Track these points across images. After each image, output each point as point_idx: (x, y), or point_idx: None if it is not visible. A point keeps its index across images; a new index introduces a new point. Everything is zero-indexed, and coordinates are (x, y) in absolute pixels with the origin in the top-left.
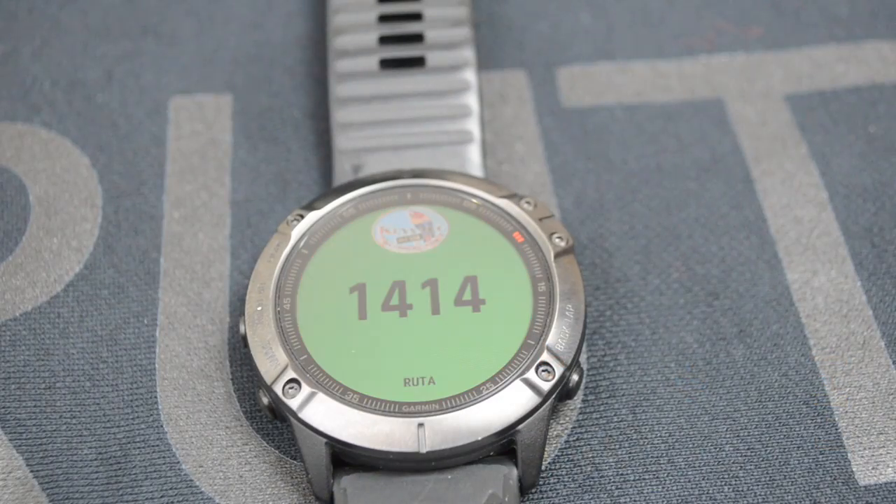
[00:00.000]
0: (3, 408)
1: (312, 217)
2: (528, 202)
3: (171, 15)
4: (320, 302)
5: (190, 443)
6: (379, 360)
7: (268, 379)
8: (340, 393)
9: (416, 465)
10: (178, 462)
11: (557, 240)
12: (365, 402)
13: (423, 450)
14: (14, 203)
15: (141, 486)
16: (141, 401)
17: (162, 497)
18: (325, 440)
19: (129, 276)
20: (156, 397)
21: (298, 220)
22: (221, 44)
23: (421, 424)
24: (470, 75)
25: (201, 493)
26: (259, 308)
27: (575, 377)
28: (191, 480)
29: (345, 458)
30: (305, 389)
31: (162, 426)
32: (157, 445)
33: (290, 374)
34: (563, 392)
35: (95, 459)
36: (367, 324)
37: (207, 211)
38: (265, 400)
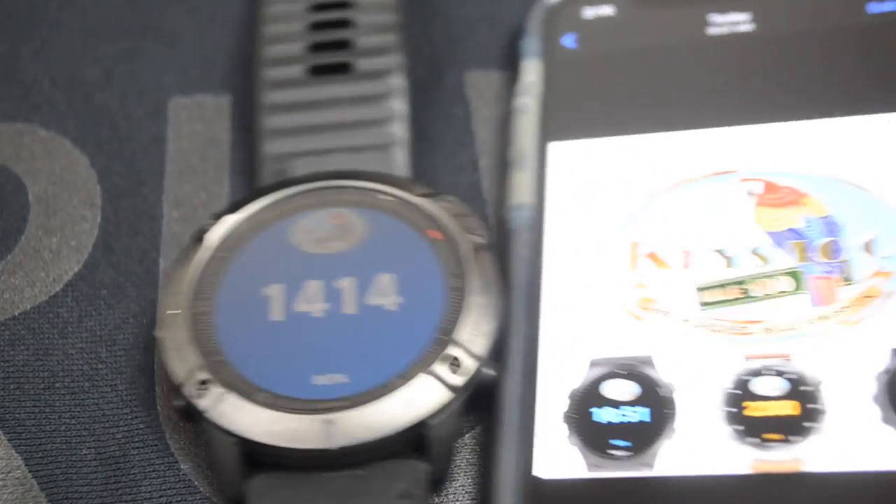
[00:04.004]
0: (2, 407)
1: (230, 220)
2: (445, 200)
3: (171, 15)
4: (236, 304)
5: (189, 443)
6: (291, 358)
7: (178, 380)
8: (251, 393)
9: (327, 462)
10: (177, 462)
11: (474, 236)
12: (275, 401)
13: (332, 446)
14: (13, 202)
15: (140, 486)
16: (140, 401)
17: (161, 497)
18: (234, 440)
19: (129, 276)
20: (155, 397)
21: (215, 224)
22: (221, 44)
23: (330, 421)
24: (397, 80)
25: (200, 492)
26: (174, 312)
27: (489, 372)
28: (189, 480)
29: (257, 457)
30: (215, 390)
31: (161, 426)
32: (156, 445)
33: (201, 375)
34: (477, 387)
35: (94, 459)
36: (281, 324)
37: (207, 211)
38: (178, 403)
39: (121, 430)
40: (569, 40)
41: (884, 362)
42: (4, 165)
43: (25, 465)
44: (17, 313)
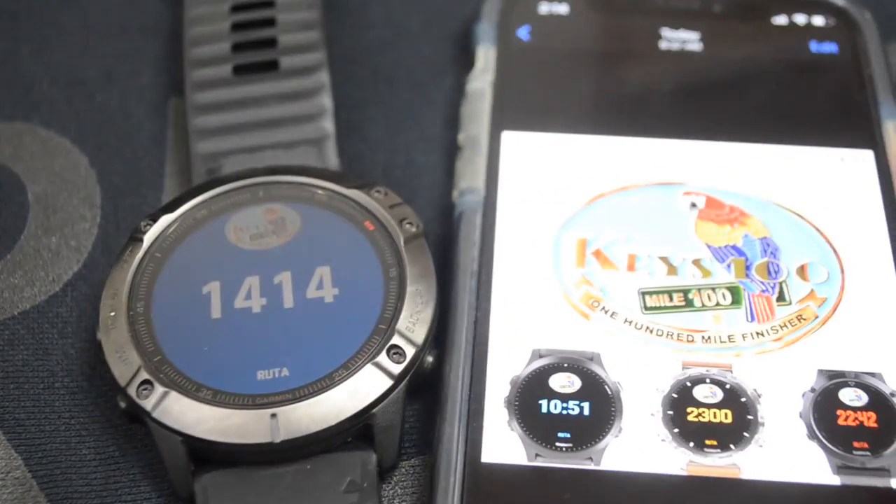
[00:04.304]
0: (2, 407)
1: (165, 220)
2: (378, 191)
3: (170, 15)
4: (175, 303)
5: None
6: (232, 355)
7: (122, 382)
8: (194, 390)
9: (273, 456)
10: None
11: (408, 225)
12: (219, 398)
13: (277, 439)
14: (13, 201)
15: (139, 486)
16: None
17: (160, 497)
18: (180, 438)
19: None
20: None
21: (151, 225)
22: None
23: (274, 415)
24: (322, 76)
25: None
26: (112, 314)
27: (429, 358)
28: None
29: (205, 455)
30: (159, 389)
31: None
32: (156, 445)
33: (144, 375)
34: (418, 373)
35: (94, 460)
36: (220, 321)
37: None
38: (122, 405)
39: (120, 431)
40: (523, 32)
41: (811, 381)
42: (4, 165)
43: (25, 466)
44: (16, 313)
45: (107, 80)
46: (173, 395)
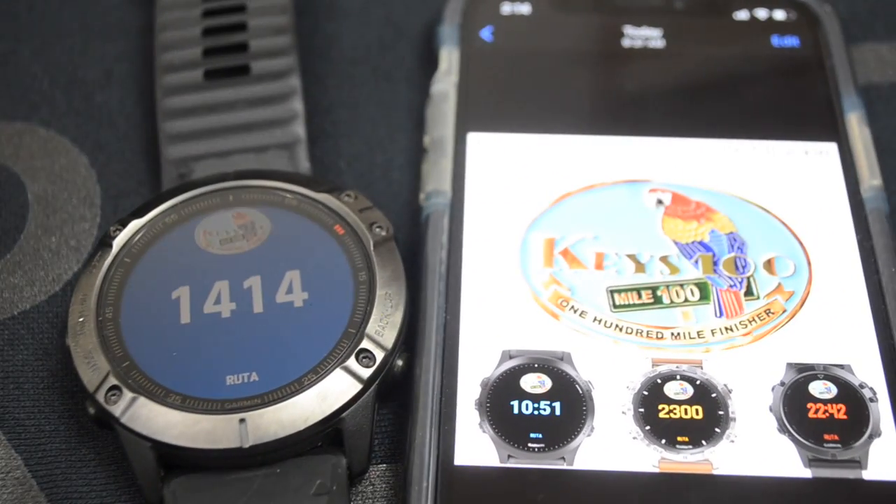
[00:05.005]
0: (2, 407)
1: (134, 225)
2: (348, 195)
3: None
4: (143, 308)
5: None
6: (201, 360)
7: (90, 388)
8: (163, 396)
9: (242, 460)
10: None
11: (377, 229)
12: (187, 403)
13: (246, 444)
14: (13, 201)
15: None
16: None
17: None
18: (149, 444)
19: None
20: None
21: (120, 230)
22: None
23: (242, 420)
24: (294, 81)
25: None
26: (81, 319)
27: (399, 362)
28: None
29: (175, 460)
30: (127, 395)
31: None
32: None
33: (112, 381)
34: (387, 377)
35: (94, 460)
36: (189, 326)
37: None
38: (91, 410)
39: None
40: (486, 33)
41: (780, 375)
42: (4, 165)
43: (25, 466)
44: (16, 313)
45: (107, 80)
46: (142, 400)
